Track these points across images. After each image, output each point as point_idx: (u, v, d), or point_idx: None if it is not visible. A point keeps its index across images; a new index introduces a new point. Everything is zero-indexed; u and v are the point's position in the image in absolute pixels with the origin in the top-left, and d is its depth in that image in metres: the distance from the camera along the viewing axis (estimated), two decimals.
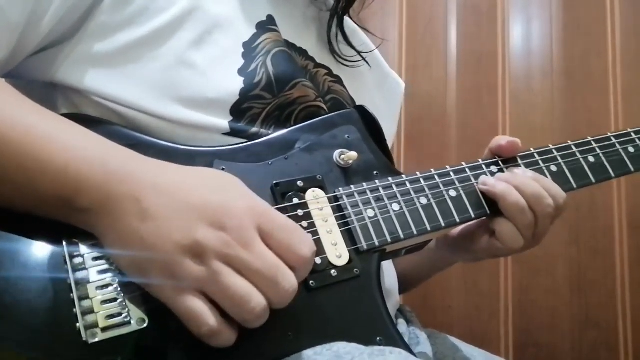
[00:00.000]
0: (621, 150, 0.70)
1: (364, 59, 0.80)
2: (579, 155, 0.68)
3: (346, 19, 0.80)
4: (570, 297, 1.24)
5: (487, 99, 1.31)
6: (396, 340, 0.53)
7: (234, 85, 0.61)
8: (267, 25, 0.66)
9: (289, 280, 0.45)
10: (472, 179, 0.64)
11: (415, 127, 1.34)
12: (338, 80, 0.76)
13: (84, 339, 0.44)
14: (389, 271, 0.74)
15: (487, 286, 1.26)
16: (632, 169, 0.70)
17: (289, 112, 0.64)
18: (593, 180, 0.67)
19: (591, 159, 0.69)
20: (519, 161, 0.67)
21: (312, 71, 0.72)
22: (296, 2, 0.75)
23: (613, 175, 0.69)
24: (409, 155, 1.33)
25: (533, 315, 1.25)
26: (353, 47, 0.79)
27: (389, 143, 0.82)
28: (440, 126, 1.33)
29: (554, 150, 0.68)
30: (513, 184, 0.62)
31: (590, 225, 1.25)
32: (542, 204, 0.62)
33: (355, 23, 0.84)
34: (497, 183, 0.63)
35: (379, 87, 0.86)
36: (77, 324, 0.44)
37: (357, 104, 0.75)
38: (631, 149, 0.70)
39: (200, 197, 0.46)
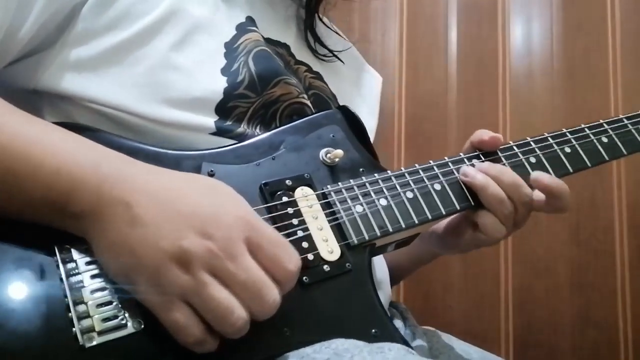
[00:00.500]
0: (595, 141, 0.72)
1: (335, 55, 0.82)
2: (555, 147, 0.70)
3: (324, 18, 0.82)
4: (570, 297, 1.24)
5: (487, 98, 1.32)
6: (391, 332, 0.54)
7: (217, 84, 0.62)
8: (247, 26, 0.68)
9: (272, 294, 0.45)
10: (455, 172, 0.65)
11: (416, 127, 1.35)
12: (318, 76, 0.77)
13: (80, 344, 0.44)
14: (379, 264, 0.75)
15: (487, 286, 1.26)
16: (607, 158, 0.72)
17: (273, 110, 0.66)
18: (571, 170, 0.69)
19: (567, 149, 0.71)
20: (499, 154, 0.68)
21: (294, 67, 0.74)
22: (275, 2, 0.76)
23: (589, 164, 0.71)
24: (409, 155, 1.34)
25: (534, 315, 1.24)
26: (323, 45, 0.81)
27: (371, 137, 0.84)
28: (441, 126, 1.33)
29: (531, 143, 0.70)
30: (491, 174, 0.64)
31: (590, 224, 1.25)
32: (519, 192, 0.64)
33: (324, 23, 0.85)
34: (477, 174, 0.64)
35: (356, 83, 0.87)
36: (73, 329, 0.44)
37: (337, 98, 0.78)
38: (604, 139, 0.73)
39: (191, 205, 0.46)
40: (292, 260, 0.47)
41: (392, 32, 1.39)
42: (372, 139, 0.81)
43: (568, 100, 1.28)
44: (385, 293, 0.75)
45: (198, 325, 0.44)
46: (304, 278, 0.53)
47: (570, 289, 1.25)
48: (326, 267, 0.55)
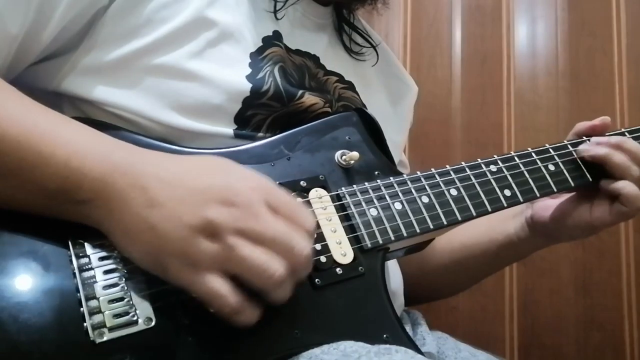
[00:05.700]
0: None
1: (373, 47, 0.82)
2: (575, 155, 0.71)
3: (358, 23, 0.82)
4: (575, 298, 1.24)
5: (491, 99, 1.31)
6: (402, 338, 0.54)
7: (240, 91, 0.61)
8: (273, 39, 0.68)
9: (302, 244, 0.47)
10: (472, 178, 0.64)
11: (420, 127, 1.34)
12: (350, 86, 0.76)
13: (91, 339, 0.44)
14: (394, 273, 0.74)
15: (492, 287, 1.26)
16: None
17: (299, 119, 0.65)
18: (590, 179, 0.69)
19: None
20: (517, 160, 0.67)
21: (322, 79, 0.73)
22: (306, 11, 0.75)
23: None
24: (413, 155, 1.33)
25: (538, 317, 1.24)
26: (355, 42, 0.80)
27: (400, 151, 0.83)
28: (445, 127, 1.33)
29: (550, 150, 0.70)
30: (612, 144, 0.67)
31: None
32: None
33: (357, 30, 0.84)
34: (597, 146, 0.68)
35: (389, 94, 0.86)
36: (85, 324, 0.45)
37: (368, 109, 0.75)
38: None
39: (206, 180, 0.47)
40: (307, 217, 0.49)
41: (396, 32, 1.38)
42: (399, 154, 0.81)
43: (573, 101, 1.28)
44: (397, 303, 0.74)
45: (233, 292, 0.45)
46: (316, 280, 0.53)
47: (575, 290, 1.24)
48: (339, 270, 0.55)
